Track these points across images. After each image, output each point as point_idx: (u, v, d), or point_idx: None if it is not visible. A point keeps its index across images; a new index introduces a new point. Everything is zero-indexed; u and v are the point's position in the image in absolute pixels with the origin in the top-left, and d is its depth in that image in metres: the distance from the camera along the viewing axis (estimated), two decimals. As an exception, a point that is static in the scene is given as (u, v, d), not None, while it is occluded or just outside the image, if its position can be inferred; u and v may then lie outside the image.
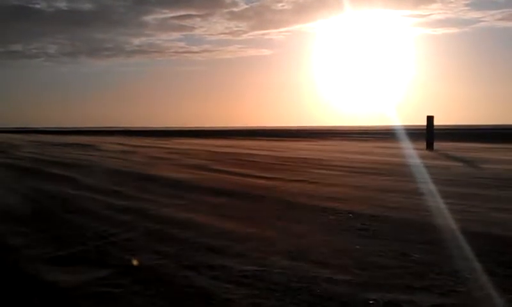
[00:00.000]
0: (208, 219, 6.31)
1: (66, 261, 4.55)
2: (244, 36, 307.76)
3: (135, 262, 4.18)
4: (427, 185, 8.99)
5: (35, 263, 4.46)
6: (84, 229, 5.78)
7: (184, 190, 8.90)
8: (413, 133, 34.74)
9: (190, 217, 6.38)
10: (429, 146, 20.81)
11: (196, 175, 11.30)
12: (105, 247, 5.00)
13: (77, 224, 6.13)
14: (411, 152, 18.64)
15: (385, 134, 46.43)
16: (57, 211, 7.05)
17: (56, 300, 3.60)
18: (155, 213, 6.72)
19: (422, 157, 15.96)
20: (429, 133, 21.43)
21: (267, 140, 37.95)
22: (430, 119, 21.58)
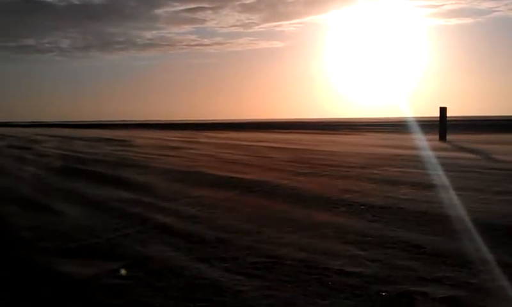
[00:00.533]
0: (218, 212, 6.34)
1: (79, 253, 4.59)
2: (256, 28, 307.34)
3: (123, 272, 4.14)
4: (440, 176, 8.93)
5: (48, 256, 4.51)
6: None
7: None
8: (426, 124, 34.49)
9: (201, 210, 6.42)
10: (442, 138, 20.67)
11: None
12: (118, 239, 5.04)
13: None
14: (423, 144, 18.52)
15: (398, 126, 46.14)
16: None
17: (68, 292, 3.64)
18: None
19: (435, 148, 15.86)
20: (441, 125, 21.27)
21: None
22: (443, 110, 21.40)
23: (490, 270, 3.83)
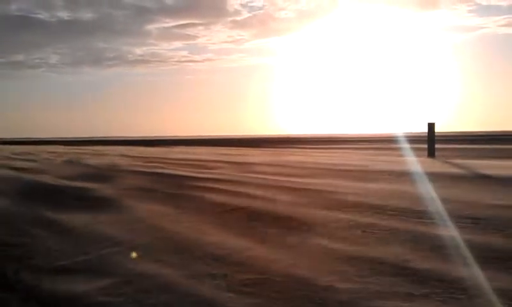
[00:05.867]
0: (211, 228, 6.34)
1: (69, 271, 4.57)
2: (247, 45, 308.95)
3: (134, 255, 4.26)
4: (428, 192, 8.99)
5: (36, 273, 4.48)
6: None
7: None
8: (414, 140, 34.74)
9: (194, 227, 6.42)
10: (431, 154, 20.80)
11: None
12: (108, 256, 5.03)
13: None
14: (412, 159, 18.65)
15: (386, 141, 46.44)
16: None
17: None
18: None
19: (423, 164, 15.96)
20: (430, 141, 21.40)
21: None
22: (431, 126, 21.54)
23: (479, 286, 3.86)
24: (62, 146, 50.47)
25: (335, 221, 6.43)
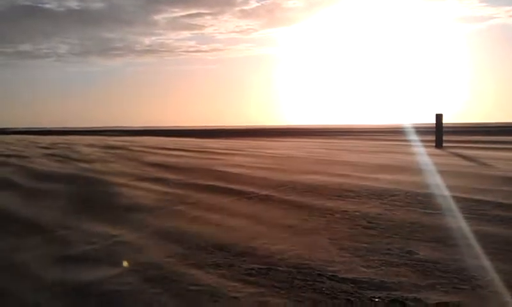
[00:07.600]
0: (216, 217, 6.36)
1: (75, 260, 4.61)
2: (255, 35, 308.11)
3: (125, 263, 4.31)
4: (435, 182, 8.97)
5: (43, 262, 4.53)
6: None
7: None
8: (423, 131, 34.59)
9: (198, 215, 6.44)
10: (439, 145, 20.71)
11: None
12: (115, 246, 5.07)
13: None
14: (419, 150, 18.59)
15: (394, 132, 46.25)
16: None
17: (64, 299, 3.66)
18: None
19: (431, 155, 15.91)
20: (438, 132, 21.31)
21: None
22: (439, 117, 21.44)
23: (483, 276, 3.86)
24: (79, 137, 50.67)
25: None
